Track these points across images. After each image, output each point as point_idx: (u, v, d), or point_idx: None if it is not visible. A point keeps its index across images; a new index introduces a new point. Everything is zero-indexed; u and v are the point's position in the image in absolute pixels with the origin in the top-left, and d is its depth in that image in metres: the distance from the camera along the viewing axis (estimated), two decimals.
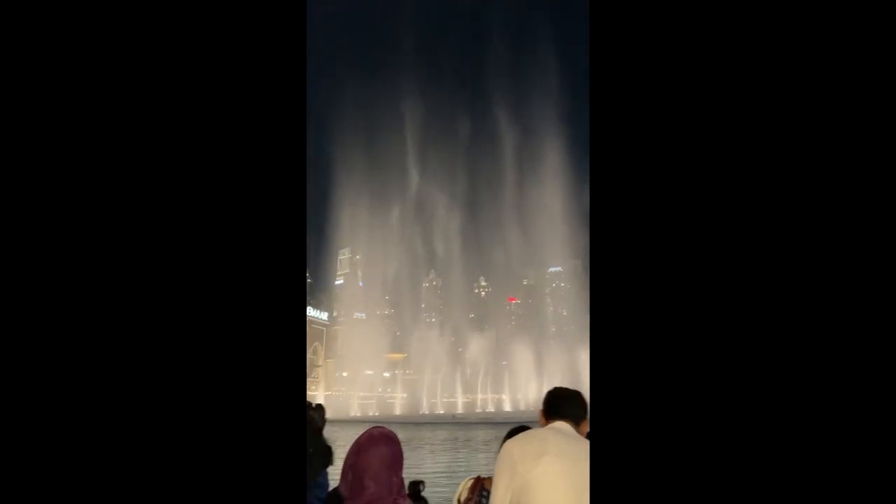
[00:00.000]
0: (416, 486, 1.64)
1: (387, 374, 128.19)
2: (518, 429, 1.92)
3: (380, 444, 1.56)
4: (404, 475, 1.59)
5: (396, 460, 1.56)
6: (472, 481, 2.08)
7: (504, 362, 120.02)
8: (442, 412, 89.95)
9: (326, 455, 1.64)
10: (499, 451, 1.88)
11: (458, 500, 2.05)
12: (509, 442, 1.66)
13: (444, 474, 13.75)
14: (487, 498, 1.90)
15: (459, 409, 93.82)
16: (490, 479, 1.95)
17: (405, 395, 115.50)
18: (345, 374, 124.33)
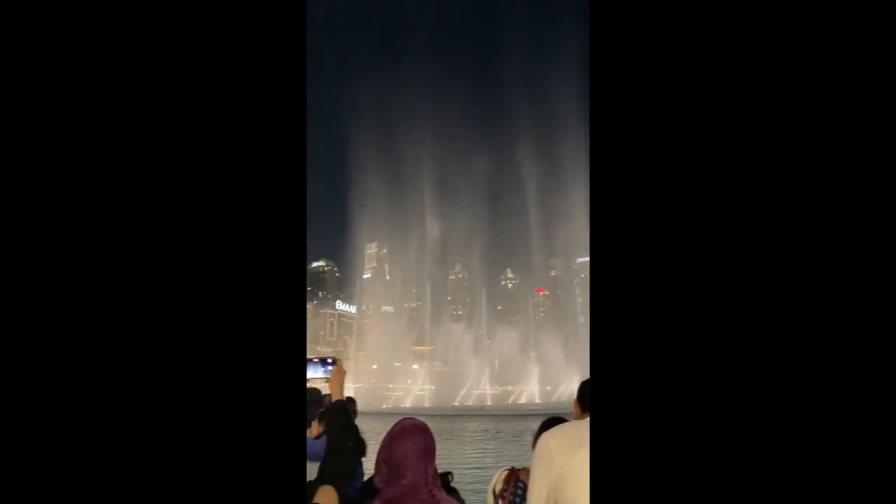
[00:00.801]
0: (446, 476, 1.62)
1: (415, 366, 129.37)
2: (552, 420, 1.87)
3: (413, 434, 1.57)
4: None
5: (430, 451, 1.57)
6: (506, 472, 2.05)
7: (533, 354, 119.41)
8: (471, 404, 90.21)
9: (361, 446, 1.61)
10: (532, 443, 1.85)
11: (493, 492, 2.03)
12: (546, 434, 1.62)
13: (474, 466, 13.76)
14: (523, 489, 1.87)
15: (489, 401, 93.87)
16: (525, 470, 1.94)
17: (434, 387, 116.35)
18: (374, 366, 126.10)
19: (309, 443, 1.73)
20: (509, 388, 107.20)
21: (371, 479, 1.58)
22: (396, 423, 1.62)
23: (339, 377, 1.69)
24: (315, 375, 1.72)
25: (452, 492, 1.62)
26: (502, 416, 45.37)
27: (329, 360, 1.74)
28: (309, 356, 1.74)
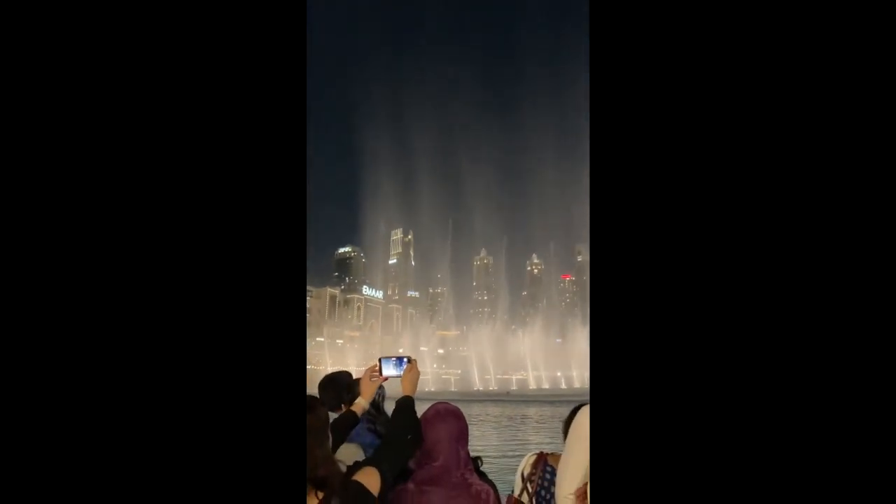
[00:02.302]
0: (475, 461, 1.60)
1: (441, 351, 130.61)
2: (579, 407, 1.79)
3: (447, 418, 1.60)
4: None
5: (463, 434, 1.60)
6: (535, 457, 2.03)
7: (558, 339, 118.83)
8: (495, 388, 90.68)
9: (419, 441, 1.61)
10: (563, 429, 1.84)
11: (522, 476, 2.00)
12: (584, 414, 1.59)
13: (499, 450, 13.80)
14: (552, 474, 1.85)
15: (513, 386, 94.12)
16: (554, 455, 1.93)
17: (459, 372, 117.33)
18: (401, 350, 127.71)
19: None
20: (534, 373, 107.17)
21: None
22: (430, 407, 1.65)
23: (412, 375, 1.74)
24: (391, 373, 1.78)
25: (482, 476, 1.61)
26: (526, 401, 45.44)
27: (405, 359, 1.81)
28: (386, 355, 1.84)
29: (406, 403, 1.64)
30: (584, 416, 1.55)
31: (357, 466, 1.38)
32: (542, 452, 2.02)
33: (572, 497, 1.56)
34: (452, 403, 1.70)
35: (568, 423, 1.83)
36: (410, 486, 1.52)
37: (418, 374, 1.78)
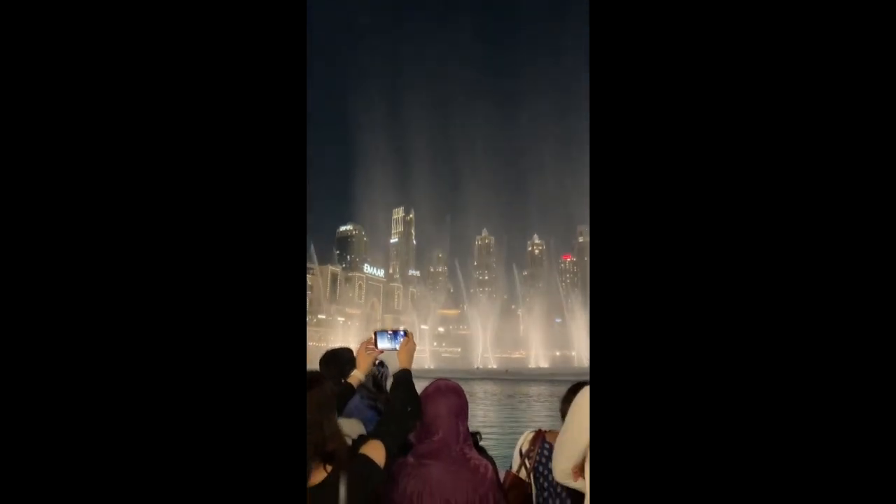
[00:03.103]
0: (474, 436, 1.63)
1: (441, 329, 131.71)
2: (580, 385, 1.81)
3: (447, 394, 1.63)
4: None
5: (462, 410, 1.63)
6: (533, 434, 2.06)
7: (558, 319, 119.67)
8: (495, 367, 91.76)
9: (419, 413, 1.64)
10: (560, 407, 1.87)
11: (520, 452, 2.04)
12: (582, 394, 1.59)
13: (498, 427, 14.05)
14: (549, 451, 1.87)
15: (512, 365, 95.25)
16: (552, 432, 1.97)
17: (459, 350, 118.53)
18: (402, 327, 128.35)
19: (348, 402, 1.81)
20: (533, 352, 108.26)
21: None
22: (431, 384, 1.68)
23: (408, 348, 1.76)
24: (387, 346, 1.79)
25: (481, 451, 1.63)
26: (525, 380, 46.02)
27: (401, 332, 1.81)
28: (382, 328, 1.84)
29: (404, 377, 1.66)
30: (582, 396, 1.56)
31: (362, 440, 1.40)
32: (540, 430, 2.05)
33: (569, 473, 1.60)
34: (453, 380, 1.72)
35: (566, 401, 1.85)
36: (410, 459, 1.55)
37: (414, 347, 1.79)
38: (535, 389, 30.94)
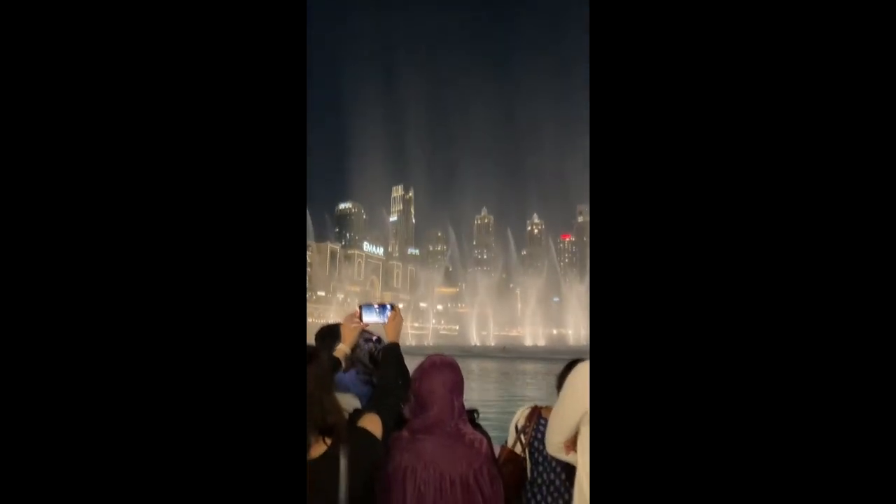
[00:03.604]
0: (471, 413, 1.65)
1: (439, 307, 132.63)
2: (574, 361, 1.83)
3: (442, 370, 1.61)
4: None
5: (458, 386, 1.62)
6: (529, 410, 2.07)
7: (556, 298, 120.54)
8: (492, 344, 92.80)
9: (409, 385, 1.64)
10: (557, 383, 1.85)
11: (516, 428, 2.05)
12: (586, 365, 1.57)
13: (496, 403, 14.34)
14: (545, 426, 1.85)
15: (510, 343, 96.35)
16: (547, 408, 1.98)
17: (457, 328, 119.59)
18: (401, 305, 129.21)
19: (336, 375, 1.78)
20: (530, 330, 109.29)
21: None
22: (427, 359, 1.66)
23: (395, 322, 1.77)
24: (373, 319, 1.79)
25: (477, 427, 1.64)
26: (522, 357, 46.60)
27: (388, 306, 1.81)
28: (368, 302, 1.86)
29: (392, 350, 1.68)
30: (575, 372, 1.58)
31: (358, 414, 1.42)
32: (535, 406, 2.06)
33: (561, 446, 1.62)
34: (449, 356, 1.71)
35: (562, 377, 1.83)
36: (405, 433, 1.55)
37: (402, 321, 1.81)
38: (531, 367, 31.39)
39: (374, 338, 1.98)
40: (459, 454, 1.51)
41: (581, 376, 1.56)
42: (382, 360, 1.68)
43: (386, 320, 1.78)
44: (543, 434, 1.88)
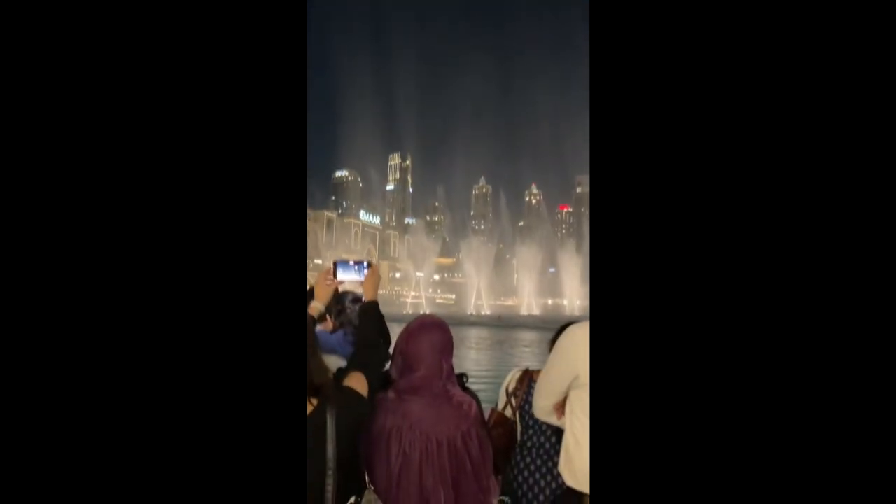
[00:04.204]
0: (461, 377, 1.61)
1: (436, 277, 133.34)
2: (567, 325, 1.79)
3: (431, 330, 1.56)
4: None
5: (447, 347, 1.56)
6: (520, 373, 2.05)
7: (552, 269, 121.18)
8: (488, 313, 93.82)
9: (390, 343, 1.63)
10: (549, 346, 1.80)
11: (507, 391, 2.04)
12: (575, 327, 1.57)
13: (489, 371, 14.51)
14: None
15: (505, 312, 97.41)
16: (537, 371, 1.93)
17: (453, 297, 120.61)
18: (397, 275, 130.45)
19: (323, 337, 1.77)
20: (526, 300, 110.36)
21: (386, 371, 1.60)
22: (415, 319, 1.62)
23: (373, 280, 1.72)
24: (349, 277, 1.73)
25: (466, 390, 1.60)
26: (517, 326, 47.16)
27: (365, 263, 1.75)
28: (344, 258, 1.79)
29: (371, 308, 1.65)
30: (566, 335, 1.56)
31: (343, 373, 1.43)
32: (527, 369, 2.05)
33: (549, 410, 1.61)
34: (438, 316, 1.65)
35: (554, 341, 1.80)
36: (391, 394, 1.52)
37: (379, 278, 1.76)
38: (527, 336, 31.79)
39: (362, 298, 1.91)
40: (447, 416, 1.48)
41: (570, 339, 1.53)
42: (361, 317, 1.64)
43: (363, 278, 1.73)
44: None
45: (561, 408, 1.59)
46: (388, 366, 1.60)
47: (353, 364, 1.49)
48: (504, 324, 51.35)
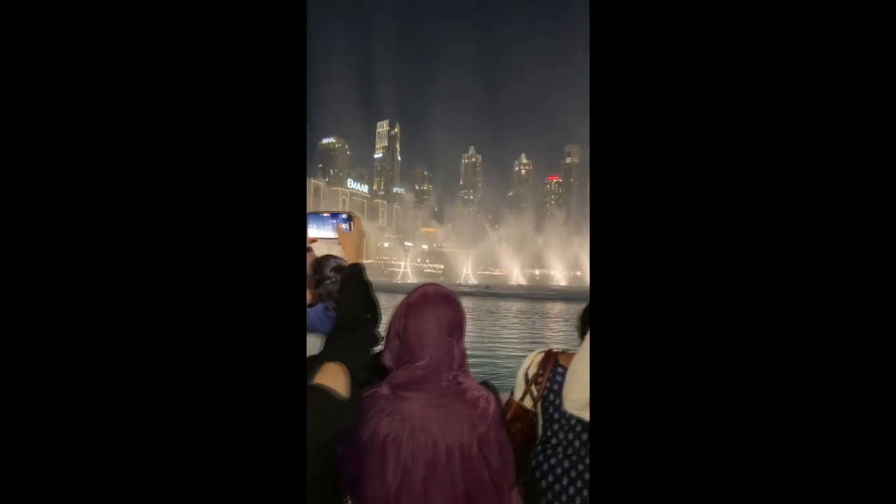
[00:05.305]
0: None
1: (425, 247, 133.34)
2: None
3: (437, 304, 1.21)
4: None
5: (457, 326, 1.21)
6: (542, 355, 1.65)
7: (540, 239, 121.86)
8: (476, 282, 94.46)
9: (378, 317, 1.28)
10: (579, 324, 1.58)
11: (526, 377, 1.65)
12: None
13: (479, 343, 14.53)
14: (563, 376, 1.50)
15: (493, 282, 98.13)
16: (566, 354, 1.62)
17: (442, 266, 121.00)
18: (386, 244, 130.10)
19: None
20: (514, 270, 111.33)
21: (379, 354, 1.26)
22: (416, 289, 1.25)
23: (355, 236, 1.35)
24: (323, 234, 1.38)
25: (487, 386, 1.29)
26: (505, 295, 47.52)
27: (344, 216, 1.36)
28: (317, 210, 1.41)
29: (354, 272, 1.30)
30: None
31: (315, 364, 1.08)
32: (550, 350, 1.66)
33: (586, 404, 1.27)
34: (447, 286, 1.28)
35: (586, 317, 1.56)
36: (385, 389, 1.16)
37: (363, 234, 1.38)
38: (515, 305, 32.02)
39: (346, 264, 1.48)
40: (459, 416, 1.16)
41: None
42: (343, 286, 1.30)
43: (341, 233, 1.36)
44: (560, 385, 1.54)
45: None
46: (379, 350, 1.25)
47: (329, 351, 1.13)
48: (491, 292, 51.72)
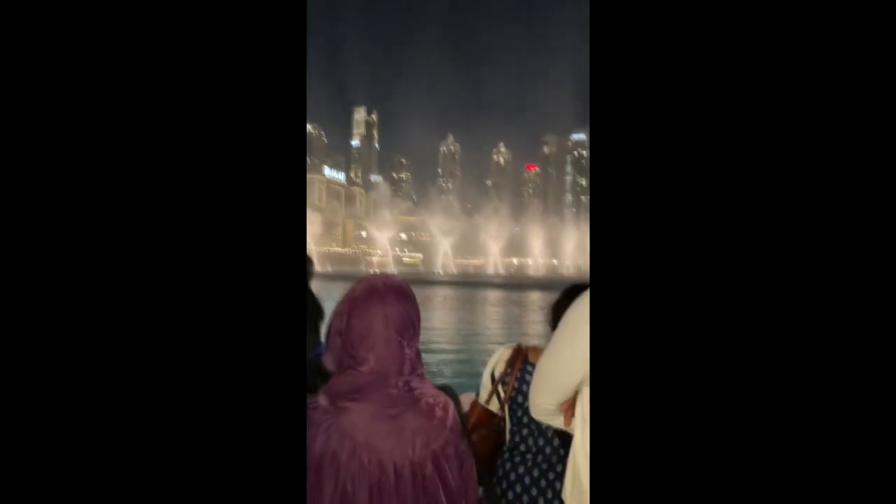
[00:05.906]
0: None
1: (403, 236, 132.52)
2: (576, 288, 1.41)
3: (385, 299, 1.03)
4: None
5: (409, 323, 1.04)
6: (510, 351, 1.51)
7: (517, 228, 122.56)
8: (455, 272, 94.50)
9: (319, 311, 1.19)
10: (551, 317, 1.45)
11: (492, 376, 1.49)
12: (585, 301, 1.06)
13: (454, 335, 14.31)
14: (531, 374, 1.28)
15: (472, 271, 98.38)
16: (534, 349, 1.51)
17: (420, 255, 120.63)
18: (363, 233, 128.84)
19: None
20: (492, 259, 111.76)
21: (319, 354, 1.13)
22: (361, 280, 1.08)
23: None
24: None
25: (444, 388, 1.11)
26: (483, 284, 47.59)
27: None
28: None
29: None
30: (578, 305, 1.07)
31: None
32: (519, 346, 1.52)
33: (553, 410, 1.11)
34: (398, 277, 1.11)
35: (558, 309, 1.41)
36: (322, 399, 1.01)
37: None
38: (493, 295, 32.04)
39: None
40: (411, 429, 1.00)
41: (584, 313, 1.04)
42: None
43: None
44: (530, 384, 1.26)
45: (570, 408, 1.10)
46: (320, 352, 1.08)
47: None
48: (469, 281, 51.70)
